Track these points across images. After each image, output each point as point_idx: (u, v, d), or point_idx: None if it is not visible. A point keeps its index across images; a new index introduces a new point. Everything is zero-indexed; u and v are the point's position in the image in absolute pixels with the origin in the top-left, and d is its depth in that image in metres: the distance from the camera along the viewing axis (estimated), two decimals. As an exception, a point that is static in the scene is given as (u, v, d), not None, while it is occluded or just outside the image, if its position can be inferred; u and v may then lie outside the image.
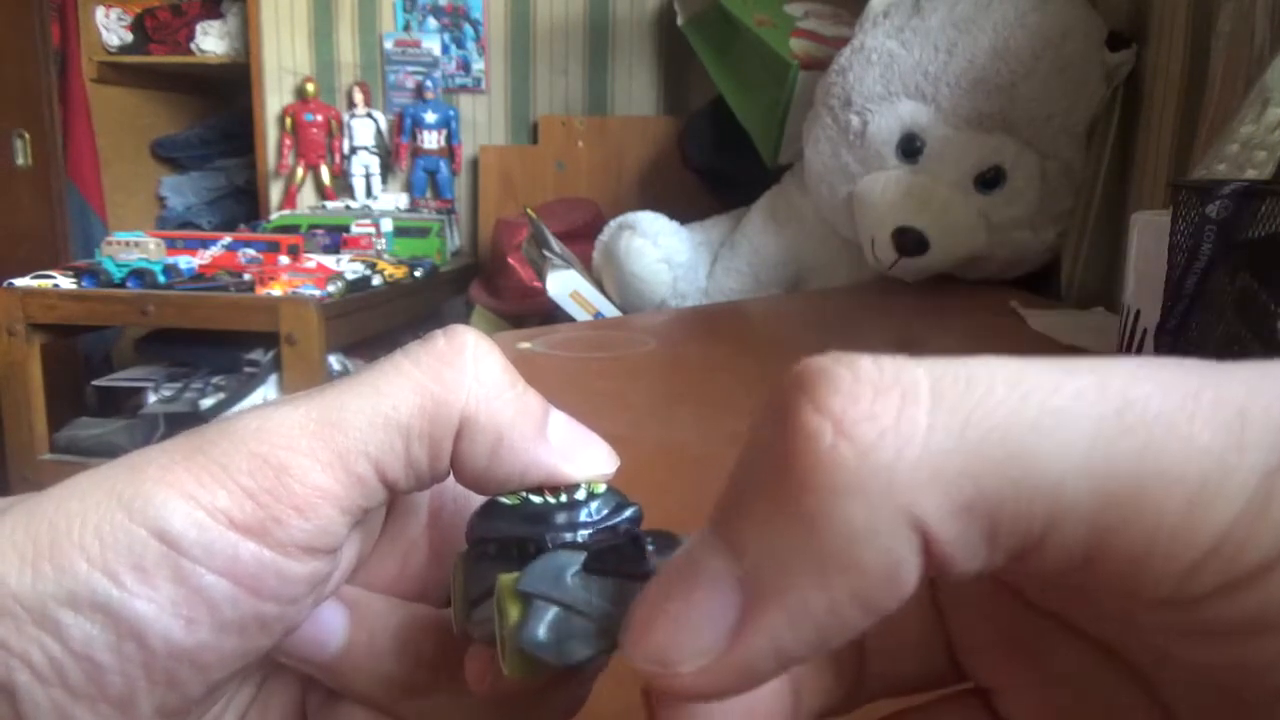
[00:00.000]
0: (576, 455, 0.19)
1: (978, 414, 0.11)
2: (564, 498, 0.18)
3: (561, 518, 0.17)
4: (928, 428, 0.11)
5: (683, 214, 1.30)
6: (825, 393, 0.12)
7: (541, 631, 0.14)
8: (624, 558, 0.15)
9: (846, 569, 0.11)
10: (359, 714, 0.19)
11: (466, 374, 0.18)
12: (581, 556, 0.15)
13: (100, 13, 2.26)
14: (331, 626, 0.19)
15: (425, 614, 0.20)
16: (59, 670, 0.16)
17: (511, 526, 0.17)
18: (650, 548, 0.16)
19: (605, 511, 0.18)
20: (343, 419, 0.17)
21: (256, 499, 0.16)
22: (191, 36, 2.22)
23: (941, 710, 0.17)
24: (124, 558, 0.16)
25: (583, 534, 0.17)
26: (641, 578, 0.14)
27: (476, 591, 0.17)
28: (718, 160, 1.57)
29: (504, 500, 0.18)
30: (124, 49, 2.28)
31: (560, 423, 0.19)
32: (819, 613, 0.12)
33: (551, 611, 0.15)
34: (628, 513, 0.18)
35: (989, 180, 1.04)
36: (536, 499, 0.18)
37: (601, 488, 0.18)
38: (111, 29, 2.27)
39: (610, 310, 1.23)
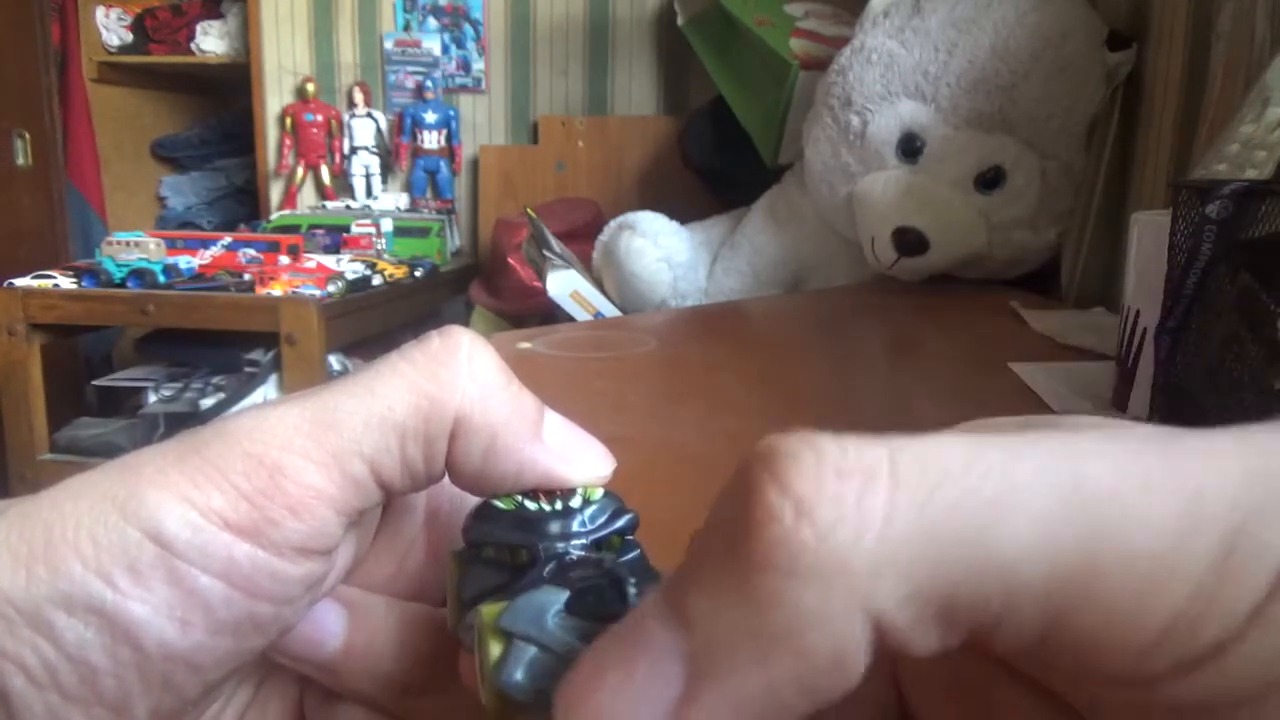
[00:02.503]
0: (572, 457, 0.18)
1: (934, 498, 0.11)
2: (559, 504, 0.17)
3: (555, 526, 0.17)
4: (885, 514, 0.11)
5: (683, 214, 1.30)
6: (789, 473, 0.11)
7: (520, 673, 0.14)
8: (605, 600, 0.15)
9: (792, 652, 0.11)
10: (357, 714, 0.19)
11: (461, 374, 0.18)
12: (564, 595, 0.15)
13: (100, 13, 2.26)
14: (329, 626, 0.19)
15: (423, 613, 0.20)
16: (52, 673, 0.15)
17: (505, 532, 0.17)
18: (633, 590, 0.15)
19: (601, 519, 0.17)
20: (337, 419, 0.17)
21: (251, 500, 0.16)
22: (191, 36, 2.22)
23: None
24: (118, 560, 0.16)
25: (576, 543, 0.17)
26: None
27: (469, 595, 0.17)
28: (718, 160, 1.57)
29: (499, 504, 0.18)
30: (124, 49, 2.28)
31: (556, 424, 0.19)
32: (759, 696, 0.11)
33: (530, 652, 0.14)
34: (623, 521, 0.18)
35: (989, 180, 1.04)
36: (532, 505, 0.18)
37: (598, 493, 0.18)
38: (111, 29, 2.26)
39: (610, 310, 1.23)
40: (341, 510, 0.17)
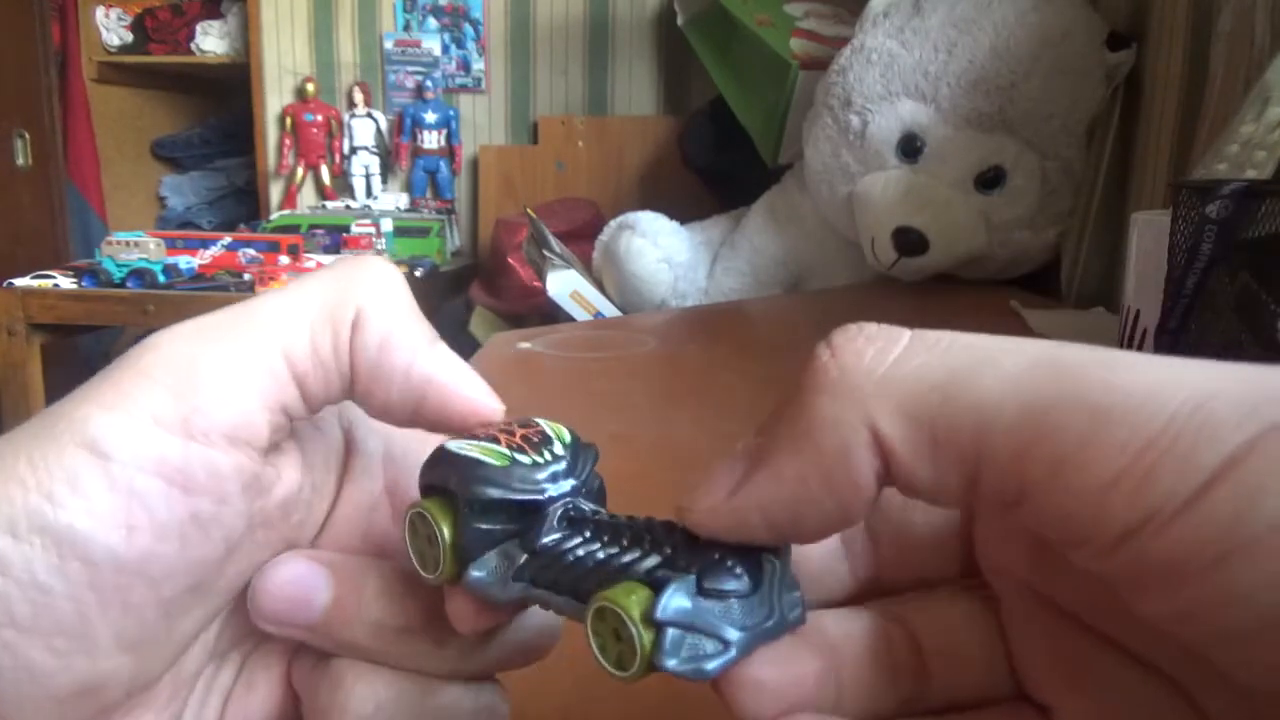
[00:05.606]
0: (459, 372, 0.20)
1: (932, 353, 0.15)
2: (546, 455, 0.19)
3: (554, 482, 0.19)
4: (896, 359, 0.15)
5: (683, 214, 1.30)
6: (835, 336, 0.16)
7: (675, 660, 0.16)
8: (731, 577, 0.17)
9: (812, 446, 0.15)
10: (354, 668, 0.20)
11: (366, 275, 0.20)
12: (690, 579, 0.17)
13: (100, 13, 2.26)
14: (314, 584, 0.19)
15: (400, 564, 0.20)
16: (5, 605, 0.16)
17: (514, 490, 0.18)
18: (743, 568, 0.17)
19: (579, 463, 0.19)
20: (252, 314, 0.18)
21: (175, 392, 0.17)
22: (191, 36, 2.22)
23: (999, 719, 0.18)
24: (56, 475, 0.16)
25: (571, 487, 0.19)
26: (745, 596, 0.17)
27: (476, 545, 0.18)
28: (718, 160, 1.57)
29: (488, 459, 0.18)
30: (124, 49, 2.28)
31: (450, 352, 0.20)
32: (791, 479, 0.15)
33: (680, 636, 0.16)
34: (593, 458, 0.20)
35: (989, 180, 1.04)
36: (524, 458, 0.19)
37: (566, 434, 0.19)
38: (111, 29, 2.27)
39: (610, 310, 1.23)
40: (264, 401, 0.18)
